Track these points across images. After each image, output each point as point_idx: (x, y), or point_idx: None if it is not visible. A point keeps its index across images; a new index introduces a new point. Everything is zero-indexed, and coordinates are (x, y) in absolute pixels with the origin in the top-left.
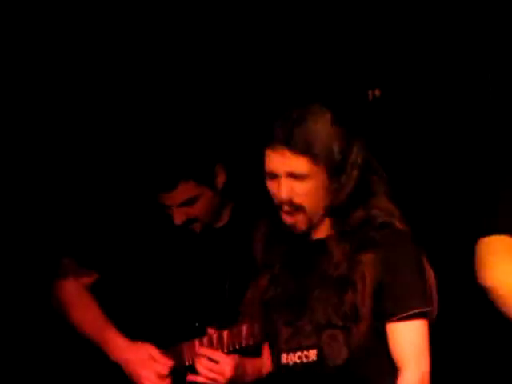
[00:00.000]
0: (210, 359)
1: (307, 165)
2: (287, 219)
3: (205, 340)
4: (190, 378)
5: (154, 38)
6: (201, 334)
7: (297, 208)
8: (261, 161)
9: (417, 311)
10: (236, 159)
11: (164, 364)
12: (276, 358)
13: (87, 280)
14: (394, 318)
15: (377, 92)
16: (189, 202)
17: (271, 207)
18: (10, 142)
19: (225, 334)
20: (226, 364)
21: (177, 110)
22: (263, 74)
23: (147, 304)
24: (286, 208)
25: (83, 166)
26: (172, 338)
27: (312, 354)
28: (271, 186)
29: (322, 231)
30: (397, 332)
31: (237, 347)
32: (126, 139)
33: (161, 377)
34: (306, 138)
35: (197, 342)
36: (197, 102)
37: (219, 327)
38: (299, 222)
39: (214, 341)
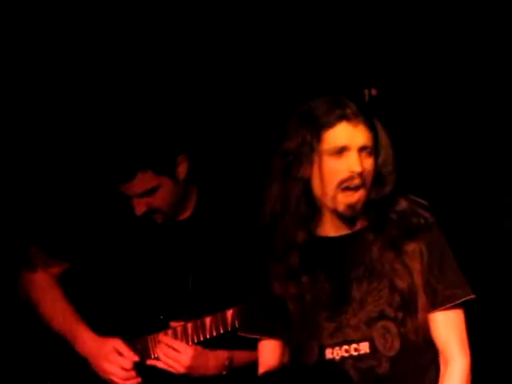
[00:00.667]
0: (170, 347)
1: (372, 139)
2: (354, 196)
3: (169, 332)
4: (150, 362)
5: (113, 30)
6: (166, 326)
7: (363, 183)
8: (228, 153)
9: (466, 298)
10: (201, 151)
11: (128, 358)
12: (318, 354)
13: (56, 270)
14: (448, 306)
15: (373, 92)
16: (148, 193)
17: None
18: None
19: (189, 326)
20: (185, 353)
21: (136, 101)
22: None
23: (112, 296)
24: (356, 182)
25: (47, 158)
26: (137, 330)
27: (364, 347)
28: (336, 162)
29: (358, 223)
30: (447, 320)
31: (201, 339)
32: (86, 129)
33: (125, 370)
34: (368, 116)
35: (161, 334)
36: (157, 92)
37: (188, 319)
38: (359, 200)
39: (179, 333)
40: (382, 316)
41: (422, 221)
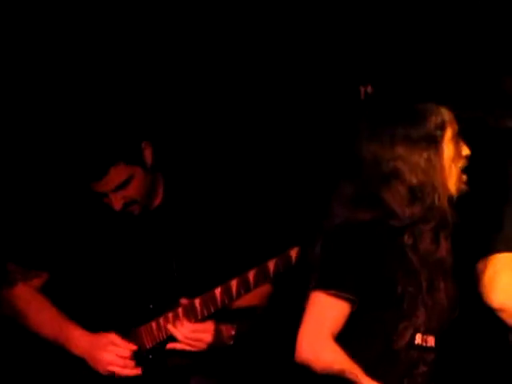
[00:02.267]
0: (189, 328)
1: None
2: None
3: (180, 310)
4: (170, 346)
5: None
6: (157, 315)
7: None
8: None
9: None
10: (161, 134)
11: (125, 347)
12: (410, 337)
13: (37, 282)
14: None
15: (369, 89)
16: (123, 185)
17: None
18: None
19: (197, 302)
20: (206, 331)
21: (93, 98)
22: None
23: (99, 294)
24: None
25: (14, 167)
26: (129, 323)
27: (430, 341)
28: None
29: None
30: None
31: (212, 311)
32: (49, 135)
33: (123, 359)
34: None
35: (171, 315)
36: (112, 84)
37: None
38: None
39: (188, 310)
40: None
41: None
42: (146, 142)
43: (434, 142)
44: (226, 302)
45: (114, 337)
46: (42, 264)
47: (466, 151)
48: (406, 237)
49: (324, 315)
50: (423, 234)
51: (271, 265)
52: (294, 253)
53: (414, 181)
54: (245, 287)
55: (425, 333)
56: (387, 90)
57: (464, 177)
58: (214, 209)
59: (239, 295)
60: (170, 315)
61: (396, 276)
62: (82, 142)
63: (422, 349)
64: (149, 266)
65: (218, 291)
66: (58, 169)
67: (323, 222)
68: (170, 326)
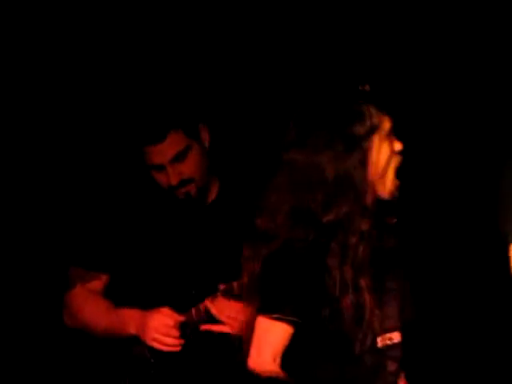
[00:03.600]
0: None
1: None
2: None
3: (208, 300)
4: (205, 327)
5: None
6: (199, 300)
7: None
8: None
9: None
10: (222, 128)
11: (171, 316)
12: (371, 342)
13: (97, 285)
14: None
15: (366, 88)
16: (180, 156)
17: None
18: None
19: (234, 284)
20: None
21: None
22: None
23: (154, 287)
24: None
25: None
26: (175, 308)
27: (396, 336)
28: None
29: None
30: None
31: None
32: (114, 97)
33: (167, 327)
34: None
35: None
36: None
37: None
38: None
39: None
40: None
41: None
42: (204, 125)
43: (361, 147)
44: None
45: (163, 308)
46: (102, 264)
47: (397, 146)
48: (333, 245)
49: (267, 340)
50: (349, 239)
51: None
52: None
53: (336, 187)
54: None
55: (386, 332)
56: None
57: (397, 182)
58: None
59: None
60: (208, 300)
61: (334, 291)
62: (148, 103)
63: (387, 349)
64: (194, 253)
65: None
66: (121, 131)
67: (260, 245)
68: (209, 303)
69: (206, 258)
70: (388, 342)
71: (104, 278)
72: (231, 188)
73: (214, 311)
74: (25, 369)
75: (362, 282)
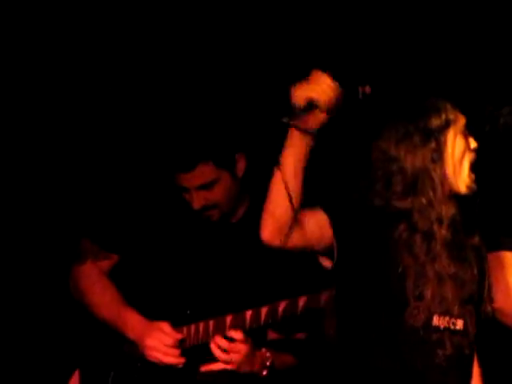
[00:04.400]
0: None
1: None
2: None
3: (211, 322)
4: (204, 368)
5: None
6: (191, 321)
7: None
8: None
9: None
10: (258, 153)
11: (171, 335)
12: (425, 318)
13: (106, 264)
14: None
15: (367, 89)
16: (207, 186)
17: None
18: (29, 127)
19: (248, 313)
20: (238, 351)
21: (205, 94)
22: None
23: (159, 286)
24: None
25: (106, 147)
26: (179, 318)
27: (459, 324)
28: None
29: None
30: None
31: (255, 326)
32: (151, 118)
33: (166, 347)
34: None
35: (212, 322)
36: (222, 92)
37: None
38: None
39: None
40: (472, 300)
41: None
42: (242, 154)
43: (436, 139)
44: (262, 323)
45: (163, 325)
46: (116, 246)
47: (472, 144)
48: (400, 229)
49: None
50: (418, 230)
51: (301, 301)
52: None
53: (413, 176)
54: (289, 312)
55: (445, 315)
56: (385, 91)
57: (472, 175)
58: None
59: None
60: (212, 323)
61: (395, 260)
62: (182, 133)
63: (445, 331)
64: (201, 271)
65: (264, 309)
66: (153, 154)
67: None
68: (213, 345)
69: (217, 278)
70: (451, 326)
71: (114, 258)
72: (257, 210)
73: (214, 351)
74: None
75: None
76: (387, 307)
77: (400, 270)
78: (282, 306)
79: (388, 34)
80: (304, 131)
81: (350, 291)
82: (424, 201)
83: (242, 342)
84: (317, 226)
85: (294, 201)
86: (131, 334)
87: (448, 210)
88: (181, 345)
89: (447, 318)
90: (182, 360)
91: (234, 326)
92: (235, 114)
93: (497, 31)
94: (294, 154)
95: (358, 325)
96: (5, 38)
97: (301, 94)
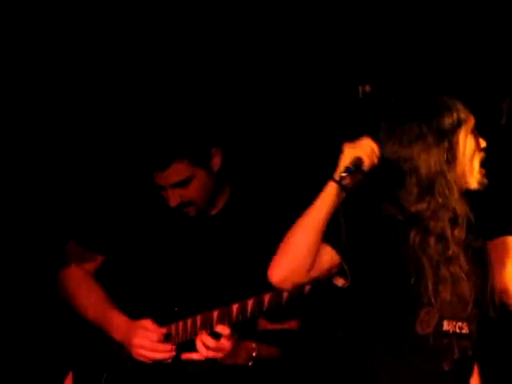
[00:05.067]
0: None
1: None
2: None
3: (199, 318)
4: (186, 356)
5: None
6: (179, 318)
7: None
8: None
9: None
10: (235, 145)
11: (155, 331)
12: (436, 323)
13: (91, 266)
14: None
15: (367, 88)
16: (182, 183)
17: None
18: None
19: (234, 307)
20: (228, 340)
21: (176, 92)
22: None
23: (143, 284)
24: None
25: (83, 151)
26: (164, 316)
27: (465, 327)
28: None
29: None
30: None
31: (241, 319)
32: (124, 118)
33: (152, 343)
34: None
35: (199, 318)
36: (196, 86)
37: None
38: None
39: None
40: (477, 303)
41: None
42: (217, 149)
43: (449, 139)
44: (249, 315)
45: (146, 322)
46: (100, 247)
47: (482, 144)
48: (413, 233)
49: None
50: (431, 232)
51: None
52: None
53: (428, 178)
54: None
55: (454, 319)
56: (385, 89)
57: (483, 171)
58: (266, 228)
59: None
60: (199, 318)
61: (402, 268)
62: (156, 132)
63: (453, 335)
64: (186, 268)
65: (250, 302)
66: (129, 153)
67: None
68: (198, 341)
69: (201, 273)
70: (457, 330)
71: (99, 259)
72: (239, 201)
73: (199, 348)
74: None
75: (430, 272)
76: (398, 317)
77: (415, 275)
78: (267, 298)
79: (389, 32)
80: (343, 188)
81: (364, 301)
82: (440, 202)
83: (227, 338)
84: (324, 259)
85: (314, 248)
86: (117, 335)
87: (461, 210)
88: (167, 340)
89: (455, 322)
90: (170, 355)
91: (221, 320)
92: (209, 110)
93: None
94: (328, 206)
95: (369, 332)
96: (5, 38)
97: (351, 153)
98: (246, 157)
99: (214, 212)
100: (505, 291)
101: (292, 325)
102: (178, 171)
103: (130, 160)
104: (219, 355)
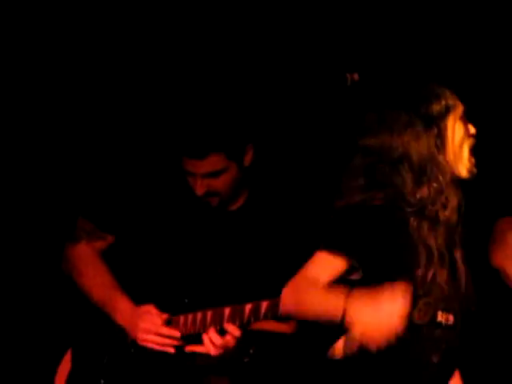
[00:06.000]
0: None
1: None
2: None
3: (209, 313)
4: (189, 348)
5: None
6: (189, 310)
7: None
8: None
9: None
10: (266, 144)
11: (159, 316)
12: (432, 314)
13: (100, 244)
14: None
15: (355, 76)
16: (214, 174)
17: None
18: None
19: (247, 308)
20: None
21: (223, 87)
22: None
23: (152, 271)
24: None
25: (111, 126)
26: (171, 305)
27: (451, 318)
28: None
29: None
30: None
31: (253, 320)
32: (170, 102)
33: (157, 327)
34: None
35: (210, 313)
36: (241, 85)
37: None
38: None
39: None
40: (464, 294)
41: None
42: (251, 146)
43: (438, 125)
44: (261, 317)
45: (150, 307)
46: (111, 227)
47: (472, 130)
48: (412, 220)
49: (318, 270)
50: (425, 217)
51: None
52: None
53: (421, 165)
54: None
55: (446, 311)
56: (374, 78)
57: (473, 160)
58: (284, 233)
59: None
60: (210, 313)
61: (407, 257)
62: (200, 121)
63: (444, 326)
64: (200, 260)
65: (264, 303)
66: (160, 138)
67: (335, 205)
68: (205, 336)
69: (216, 267)
70: (444, 321)
71: (109, 239)
72: (258, 199)
73: (205, 343)
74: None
75: (425, 257)
76: None
77: (416, 264)
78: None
79: (377, 20)
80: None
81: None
82: (436, 187)
83: (235, 337)
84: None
85: None
86: (120, 319)
87: (453, 196)
88: (172, 327)
89: (446, 314)
90: (175, 342)
91: (233, 319)
92: (250, 107)
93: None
94: None
95: None
96: (5, 37)
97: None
98: (269, 156)
99: (233, 208)
100: (499, 269)
101: (287, 327)
102: (213, 162)
103: (161, 143)
104: (222, 352)
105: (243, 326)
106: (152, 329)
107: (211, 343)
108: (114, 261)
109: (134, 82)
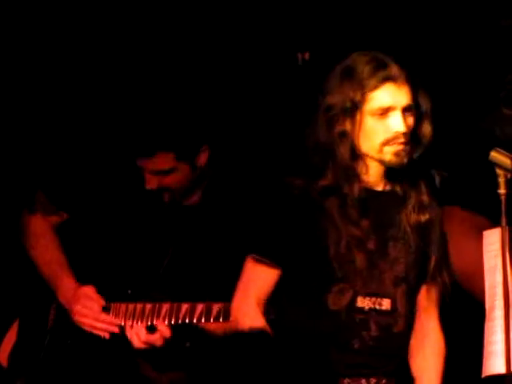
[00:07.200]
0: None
1: (413, 98)
2: (402, 151)
3: (148, 306)
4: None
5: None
6: (131, 300)
7: (407, 141)
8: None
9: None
10: (221, 144)
11: (97, 301)
12: (350, 299)
13: (55, 219)
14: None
15: (306, 55)
16: (164, 172)
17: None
18: None
19: (183, 307)
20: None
21: (176, 89)
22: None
23: (95, 256)
24: (401, 140)
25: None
26: (105, 296)
27: (386, 304)
28: (379, 122)
29: (395, 181)
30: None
31: (179, 322)
32: (124, 96)
33: (93, 312)
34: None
35: (148, 306)
36: (188, 85)
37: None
38: (405, 150)
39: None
40: (406, 278)
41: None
42: (206, 147)
43: (351, 114)
44: (195, 320)
45: (88, 289)
46: (64, 205)
47: (396, 127)
48: (328, 205)
49: (249, 280)
50: (343, 202)
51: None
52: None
53: (325, 149)
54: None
55: (371, 296)
56: (325, 56)
57: (395, 150)
58: (236, 232)
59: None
60: (148, 307)
61: (324, 239)
62: (151, 118)
63: (374, 313)
64: (147, 252)
65: (216, 306)
66: (118, 130)
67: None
68: (128, 331)
69: (162, 262)
70: (376, 307)
71: (63, 216)
72: (213, 197)
73: (130, 336)
74: None
75: (346, 240)
76: (313, 292)
77: (332, 250)
78: (216, 308)
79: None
80: None
81: (291, 280)
82: (343, 168)
83: (163, 337)
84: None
85: None
86: (61, 298)
87: (365, 176)
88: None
89: (373, 299)
90: (109, 329)
91: (169, 316)
92: (204, 108)
93: None
94: None
95: (292, 310)
96: (5, 37)
97: None
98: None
99: (188, 203)
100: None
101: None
102: (162, 161)
103: (118, 136)
104: (149, 348)
105: (179, 325)
106: (89, 314)
107: (137, 337)
108: (67, 237)
109: (96, 76)
